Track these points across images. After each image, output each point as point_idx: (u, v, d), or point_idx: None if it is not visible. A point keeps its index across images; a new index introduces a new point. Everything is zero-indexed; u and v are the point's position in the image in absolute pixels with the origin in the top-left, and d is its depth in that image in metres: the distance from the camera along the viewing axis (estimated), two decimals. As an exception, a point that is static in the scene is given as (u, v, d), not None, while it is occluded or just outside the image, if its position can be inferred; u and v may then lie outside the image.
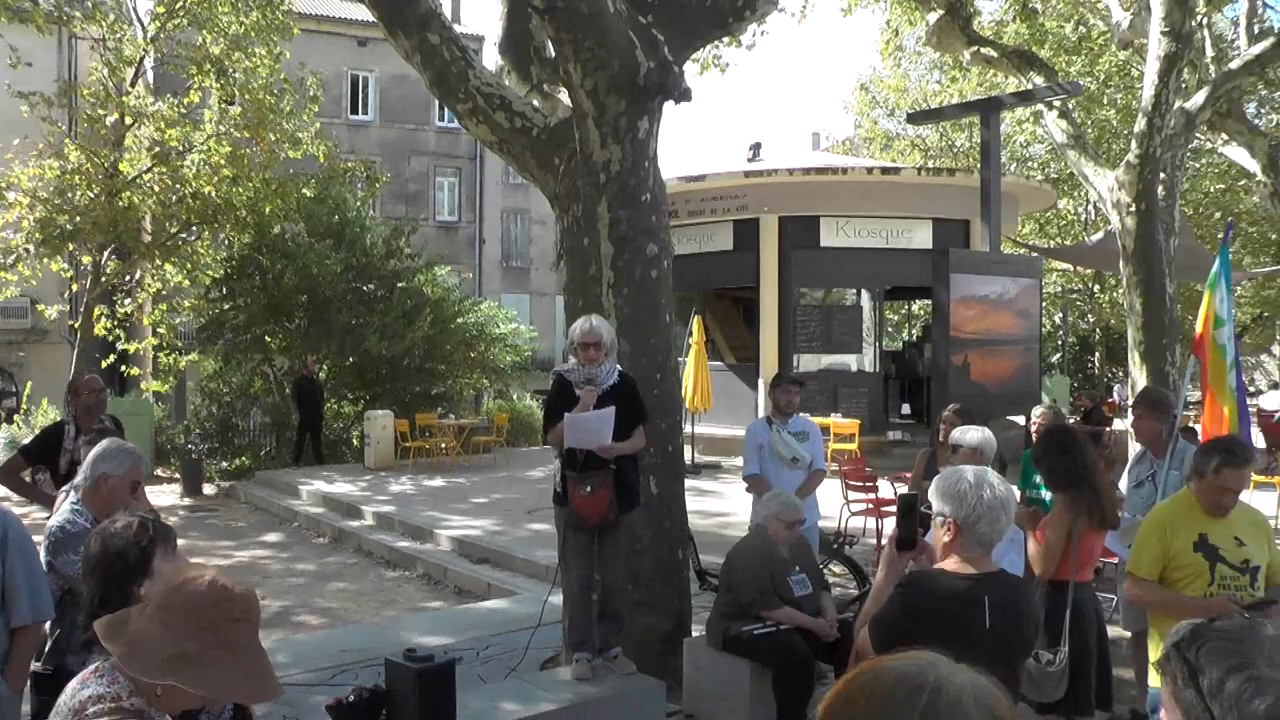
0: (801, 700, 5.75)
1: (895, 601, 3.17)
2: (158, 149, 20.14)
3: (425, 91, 31.46)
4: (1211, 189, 29.32)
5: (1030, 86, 14.06)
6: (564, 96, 7.83)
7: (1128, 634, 6.53)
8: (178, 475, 18.92)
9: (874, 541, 10.25)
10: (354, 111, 36.81)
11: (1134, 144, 13.14)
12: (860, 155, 33.62)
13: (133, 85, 20.82)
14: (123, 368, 21.77)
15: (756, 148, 22.20)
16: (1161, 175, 13.20)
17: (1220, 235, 8.14)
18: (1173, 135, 13.00)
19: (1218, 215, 28.85)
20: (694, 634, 6.89)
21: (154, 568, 2.87)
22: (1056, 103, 14.32)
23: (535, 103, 7.75)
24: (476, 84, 7.29)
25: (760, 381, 17.69)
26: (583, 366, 5.76)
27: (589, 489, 5.65)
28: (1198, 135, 14.85)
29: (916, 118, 19.97)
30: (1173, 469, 6.03)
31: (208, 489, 18.53)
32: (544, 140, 7.19)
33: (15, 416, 22.03)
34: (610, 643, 5.96)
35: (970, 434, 5.92)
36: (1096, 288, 33.84)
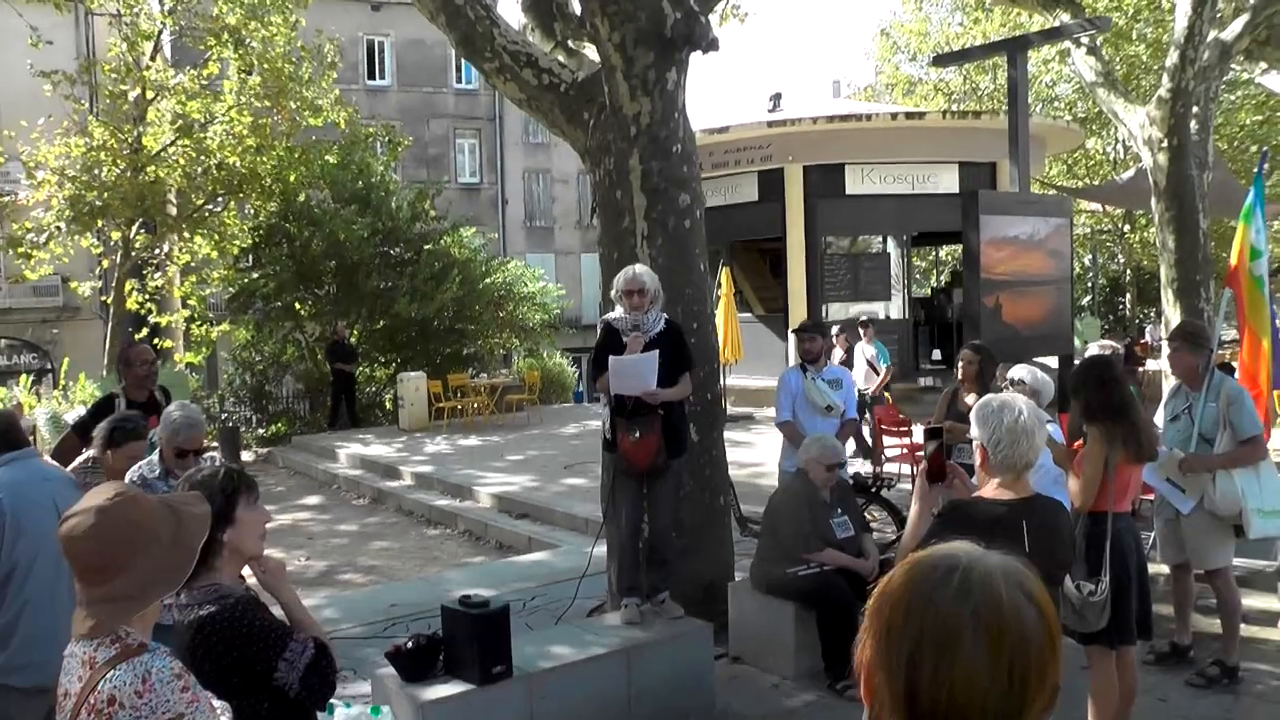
0: (846, 640, 5.79)
1: (935, 530, 3.24)
2: (180, 122, 20.24)
3: (442, 54, 31.44)
4: (1248, 121, 28.83)
5: (1057, 23, 13.89)
6: (589, 52, 7.85)
7: (1165, 569, 6.58)
8: (216, 443, 19.16)
9: (908, 486, 10.30)
10: (371, 77, 36.77)
11: (1165, 78, 12.97)
12: (882, 102, 33.31)
13: (152, 59, 20.88)
14: (155, 341, 22.00)
15: (777, 98, 22.06)
16: (1194, 109, 13.03)
17: (1255, 169, 8.05)
18: (1206, 67, 12.80)
19: (1254, 148, 28.41)
20: (737, 580, 6.99)
21: (237, 516, 2.94)
22: (1085, 39, 14.14)
23: (561, 59, 7.77)
24: (503, 42, 7.31)
25: (789, 332, 17.72)
26: (628, 314, 5.85)
27: (638, 434, 5.74)
28: (1233, 66, 14.61)
29: (942, 60, 19.72)
30: (1209, 402, 6.03)
31: (246, 456, 18.78)
32: (572, 95, 7.21)
33: (55, 392, 22.30)
34: (658, 588, 6.07)
35: (1026, 374, 5.97)
36: (1127, 228, 33.52)
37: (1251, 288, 7.02)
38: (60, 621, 4.02)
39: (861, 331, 13.79)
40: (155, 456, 4.84)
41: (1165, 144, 12.81)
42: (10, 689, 4.04)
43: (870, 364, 13.37)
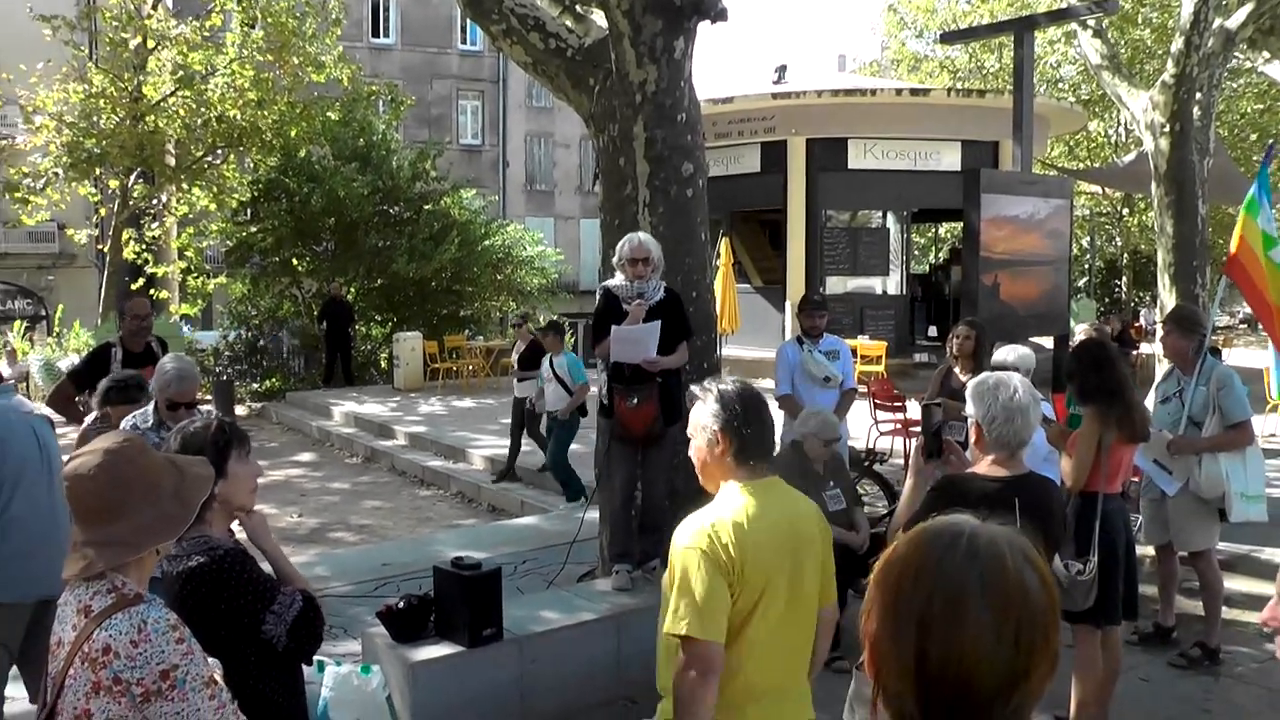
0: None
1: (928, 505, 3.28)
2: (181, 73, 20.09)
3: (447, 14, 31.18)
4: (1249, 110, 28.77)
5: (1065, 4, 13.84)
6: (597, 17, 7.79)
7: (1150, 550, 6.64)
8: (209, 396, 19.16)
9: (902, 461, 10.36)
10: (375, 35, 36.53)
11: (1170, 63, 12.94)
12: (887, 78, 33.15)
13: (154, 8, 20.71)
14: (151, 291, 21.96)
15: (782, 70, 21.93)
16: (1197, 95, 13.00)
17: (1258, 158, 8.06)
18: (1210, 54, 12.78)
19: (1255, 137, 28.38)
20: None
21: (229, 469, 2.96)
22: (1091, 21, 14.09)
23: (568, 23, 7.73)
24: (510, 5, 7.27)
25: (787, 304, 17.72)
26: (631, 282, 5.86)
27: (635, 401, 5.78)
28: (1236, 54, 14.58)
29: (949, 37, 19.65)
30: (1200, 385, 6.08)
31: (239, 410, 18.78)
32: (579, 61, 7.18)
33: (49, 339, 22.28)
34: (649, 555, 6.12)
35: (1009, 353, 5.98)
36: (1125, 211, 33.49)
37: (1273, 273, 7.01)
38: (36, 542, 4.13)
39: (551, 337, 11.02)
40: (150, 407, 4.87)
41: (1167, 129, 12.80)
42: None
43: (560, 379, 10.57)
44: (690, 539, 2.82)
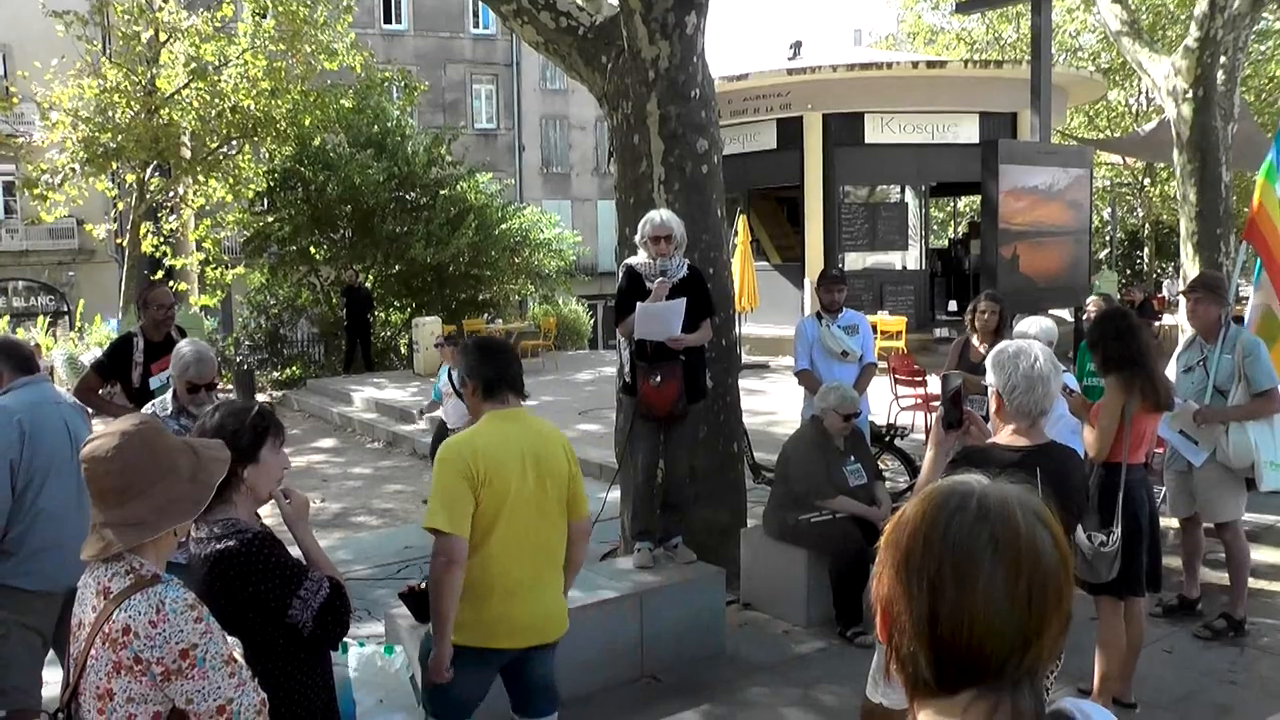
0: (857, 588, 5.87)
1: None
2: (194, 64, 20.11)
3: (459, -2, 30.70)
4: (1278, 73, 28.40)
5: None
6: (607, -6, 7.76)
7: (1174, 522, 6.58)
8: (230, 386, 19.26)
9: (922, 436, 10.32)
10: (388, 21, 36.48)
11: (1193, 26, 12.76)
12: (903, 51, 32.93)
13: (165, 1, 20.73)
14: (171, 283, 22.04)
15: (797, 46, 21.81)
16: (1222, 59, 12.81)
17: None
18: (1236, 15, 12.57)
19: (1283, 100, 28.06)
20: (749, 526, 7.02)
21: (261, 455, 2.95)
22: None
23: (579, 2, 7.68)
24: (520, -16, 7.23)
25: (806, 281, 17.66)
26: (654, 260, 5.84)
27: (659, 379, 5.76)
28: (1265, 15, 14.38)
29: (965, 7, 19.50)
30: (1224, 354, 5.99)
31: (260, 398, 18.86)
32: (590, 39, 7.14)
33: (71, 334, 22.42)
34: (671, 533, 6.11)
35: (1031, 325, 5.93)
36: (1147, 181, 33.18)
37: None
38: (68, 534, 4.17)
39: (448, 348, 10.45)
40: (169, 396, 4.88)
41: (1190, 95, 12.64)
42: (18, 590, 4.25)
43: (460, 393, 9.66)
44: (444, 453, 3.57)
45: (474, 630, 3.46)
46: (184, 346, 4.91)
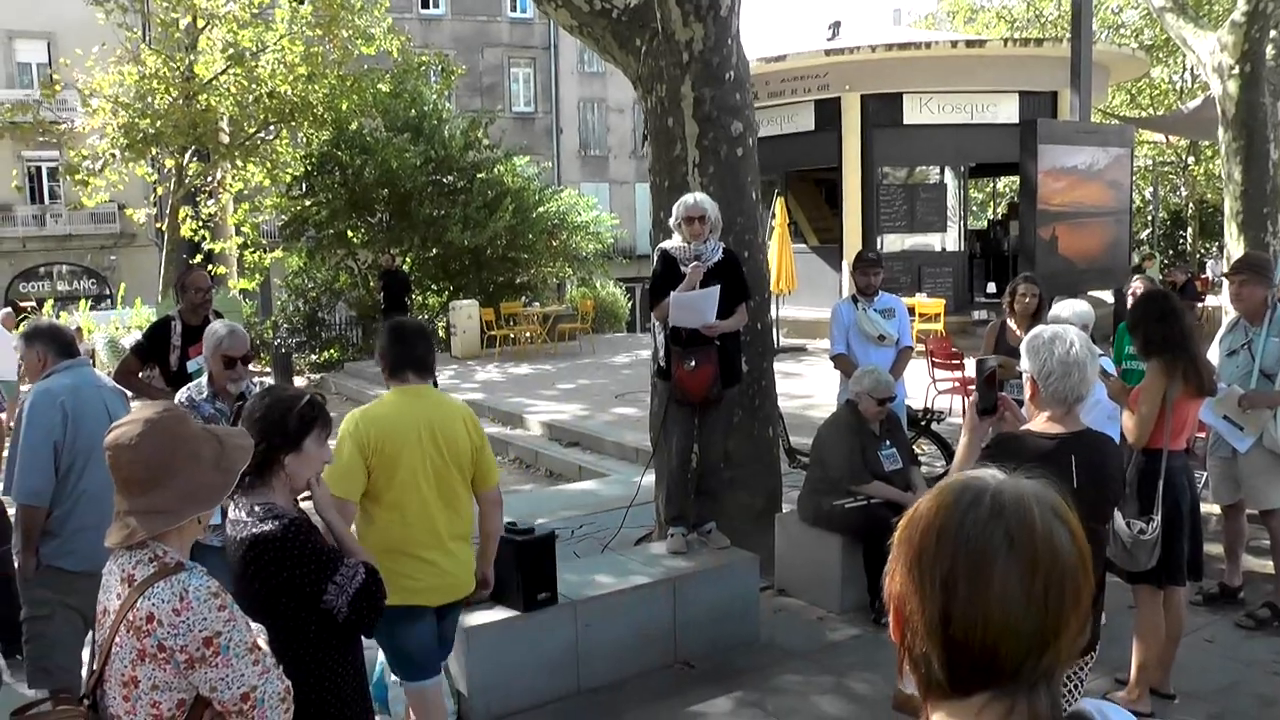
0: (892, 573, 5.81)
1: (984, 464, 3.19)
2: (231, 51, 20.24)
3: (497, -19, 30.70)
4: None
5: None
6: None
7: (1216, 509, 6.47)
8: (269, 369, 19.42)
9: (960, 420, 10.21)
10: (425, 6, 36.52)
11: (1241, 0, 12.49)
12: (943, 30, 32.57)
13: (203, -13, 20.88)
14: (210, 267, 22.23)
15: (836, 26, 21.61)
16: (1271, 33, 12.52)
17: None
18: (1288, -12, 12.29)
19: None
20: (784, 512, 6.98)
21: (305, 445, 2.95)
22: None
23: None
24: (554, -33, 7.19)
25: (844, 263, 17.53)
26: (688, 243, 5.80)
27: (693, 364, 5.72)
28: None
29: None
30: (1271, 336, 5.85)
31: (298, 381, 19.00)
32: (624, 22, 7.09)
33: (113, 317, 22.68)
34: (705, 518, 6.08)
35: (1065, 308, 5.83)
36: (1190, 159, 32.68)
37: None
38: (108, 516, 4.22)
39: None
40: (204, 380, 4.91)
41: (1236, 70, 12.38)
42: (62, 571, 4.34)
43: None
44: (345, 424, 3.87)
45: (395, 591, 3.52)
46: (215, 325, 4.97)
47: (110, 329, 20.61)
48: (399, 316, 19.84)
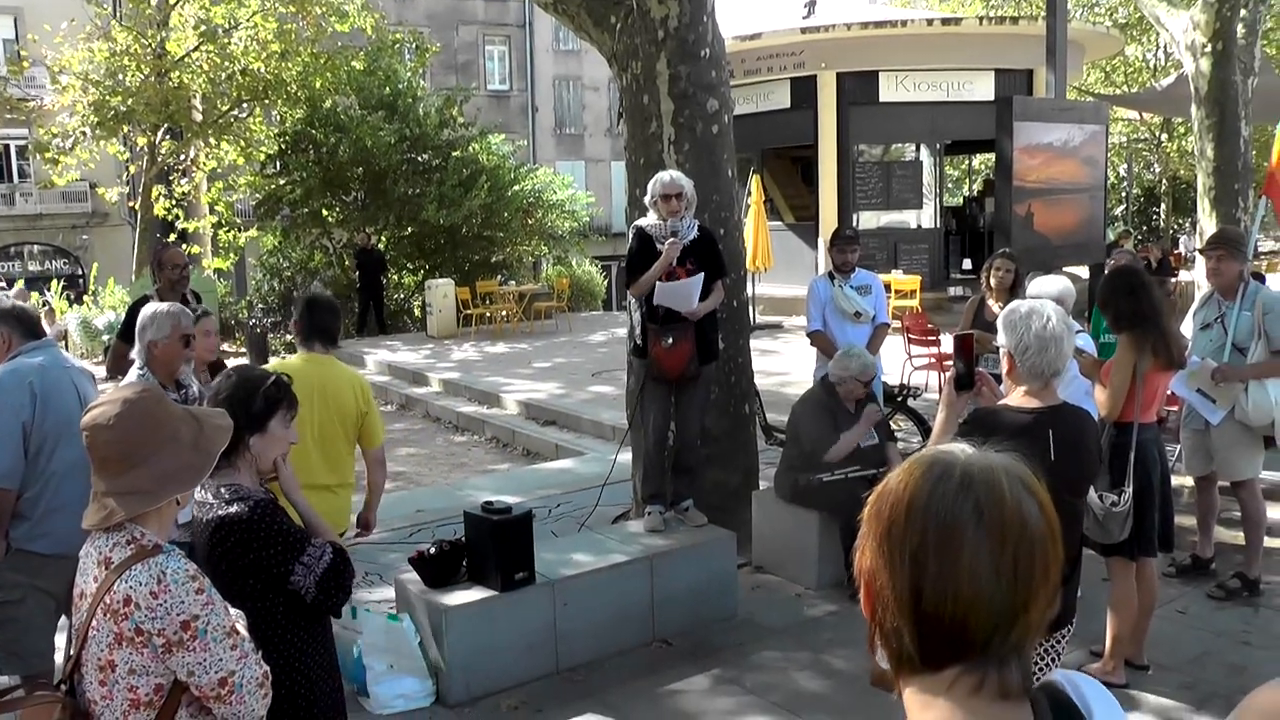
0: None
1: (960, 439, 3.20)
2: (204, 27, 20.02)
3: (471, -43, 30.43)
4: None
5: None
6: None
7: (1189, 481, 6.53)
8: (244, 349, 19.30)
9: (936, 396, 10.27)
10: (399, -20, 36.17)
11: (1213, -22, 12.55)
12: (918, 8, 32.53)
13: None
14: (184, 246, 22.00)
15: (811, 4, 21.52)
16: (1242, 12, 12.60)
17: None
18: (1258, -32, 12.38)
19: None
20: (761, 489, 7.00)
21: (270, 426, 2.93)
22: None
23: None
24: (527, -59, 7.14)
25: (820, 240, 17.56)
26: (664, 220, 5.78)
27: (670, 341, 5.72)
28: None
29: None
30: (1244, 310, 5.90)
31: (274, 361, 18.86)
32: (598, -3, 7.05)
33: (85, 297, 22.49)
34: (682, 495, 6.09)
35: (1049, 284, 5.85)
36: (1164, 136, 32.83)
37: None
38: (79, 498, 4.17)
39: None
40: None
41: (1209, 48, 12.45)
42: (33, 554, 4.27)
43: None
44: None
45: None
46: (146, 312, 4.68)
47: (84, 309, 20.45)
48: (375, 297, 19.86)
